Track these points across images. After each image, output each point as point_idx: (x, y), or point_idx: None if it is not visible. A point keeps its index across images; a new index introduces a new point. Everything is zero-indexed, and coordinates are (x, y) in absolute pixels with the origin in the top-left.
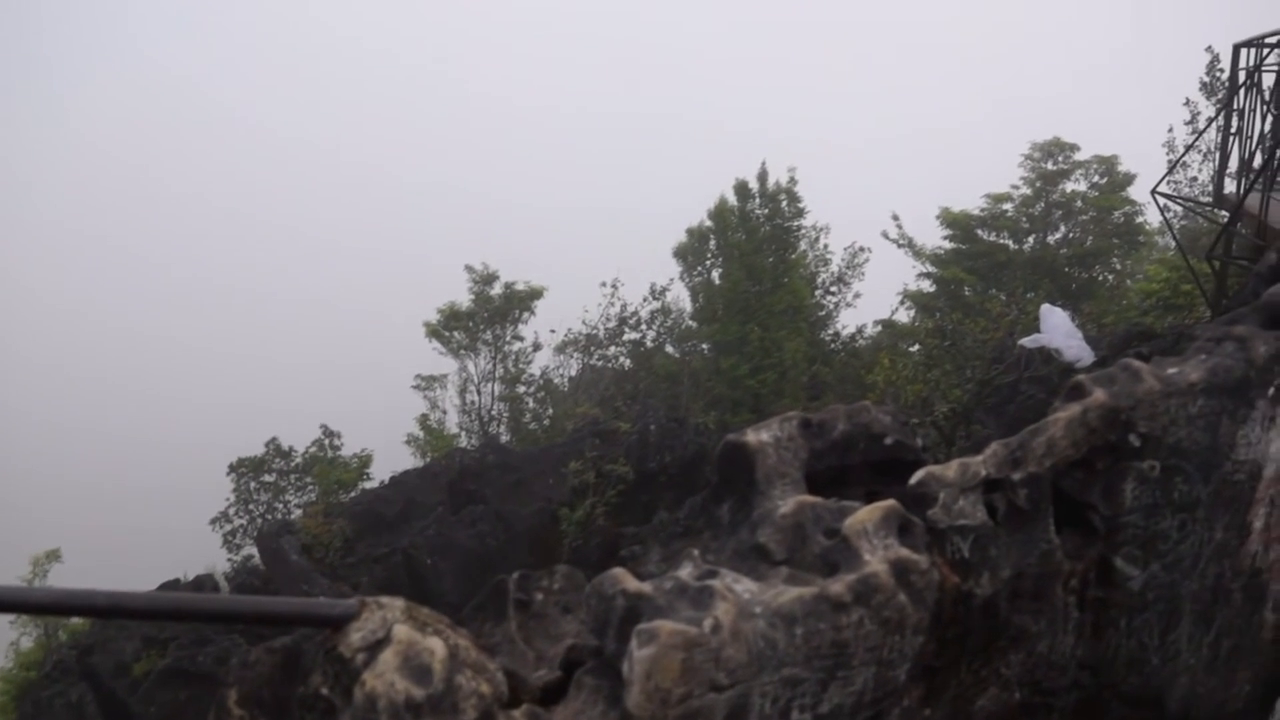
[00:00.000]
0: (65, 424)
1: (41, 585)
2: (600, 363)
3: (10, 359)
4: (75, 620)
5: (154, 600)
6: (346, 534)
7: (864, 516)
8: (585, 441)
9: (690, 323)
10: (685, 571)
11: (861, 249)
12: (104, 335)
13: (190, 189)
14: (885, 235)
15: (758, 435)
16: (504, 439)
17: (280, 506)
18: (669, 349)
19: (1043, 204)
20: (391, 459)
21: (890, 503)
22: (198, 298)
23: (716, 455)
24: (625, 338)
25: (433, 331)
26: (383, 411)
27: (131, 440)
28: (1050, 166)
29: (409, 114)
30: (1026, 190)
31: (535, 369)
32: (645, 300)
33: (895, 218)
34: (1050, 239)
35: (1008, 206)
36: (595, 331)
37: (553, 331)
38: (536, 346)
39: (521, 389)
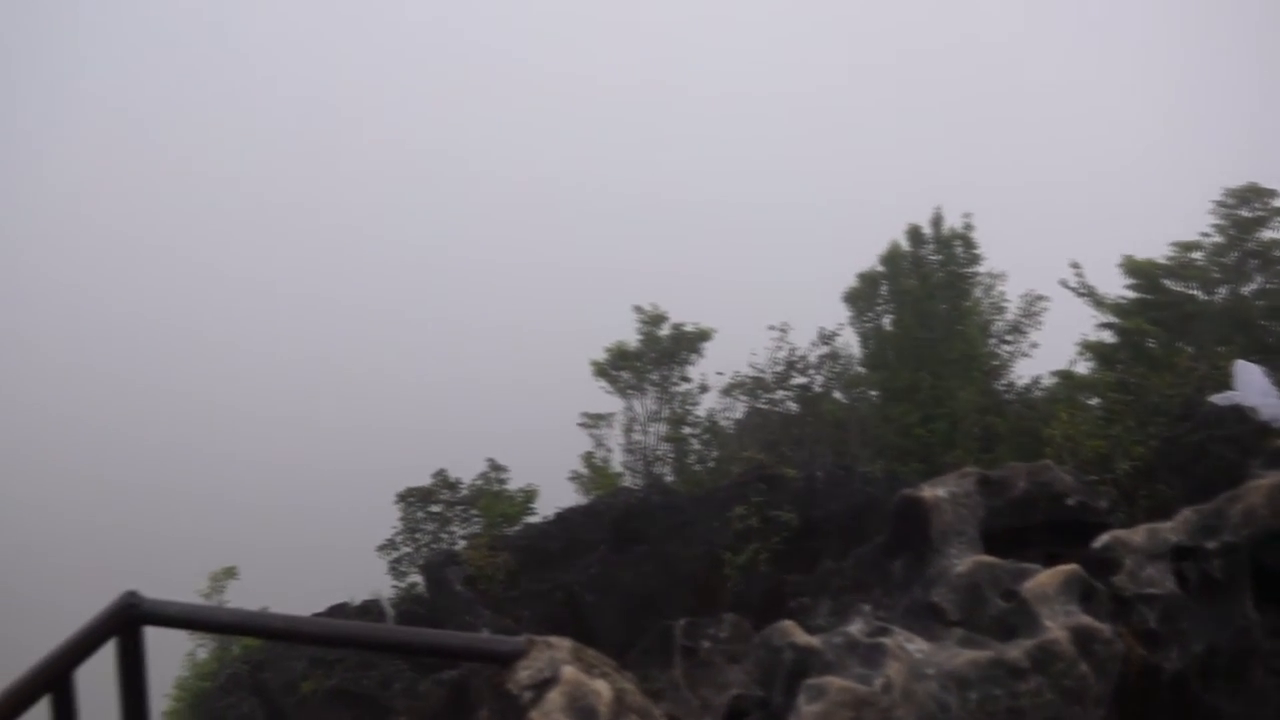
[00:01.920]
0: (252, 452)
1: (219, 602)
2: (766, 406)
3: (195, 394)
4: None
5: (329, 627)
6: (510, 567)
7: (1045, 580)
8: (751, 486)
9: (859, 369)
10: (855, 627)
11: (1039, 297)
12: (291, 370)
13: (366, 221)
14: (1064, 284)
15: (934, 490)
16: (668, 480)
17: (445, 537)
18: (837, 395)
19: (1237, 253)
20: (555, 495)
21: (1073, 567)
22: (373, 332)
23: (891, 509)
24: (792, 382)
25: (600, 370)
26: (548, 448)
27: (307, 466)
28: (1246, 213)
29: (586, 151)
30: (1218, 238)
31: (701, 410)
32: (813, 345)
33: (1075, 265)
34: (1245, 290)
35: (1197, 255)
36: (762, 375)
37: (720, 374)
38: (703, 388)
39: (687, 430)
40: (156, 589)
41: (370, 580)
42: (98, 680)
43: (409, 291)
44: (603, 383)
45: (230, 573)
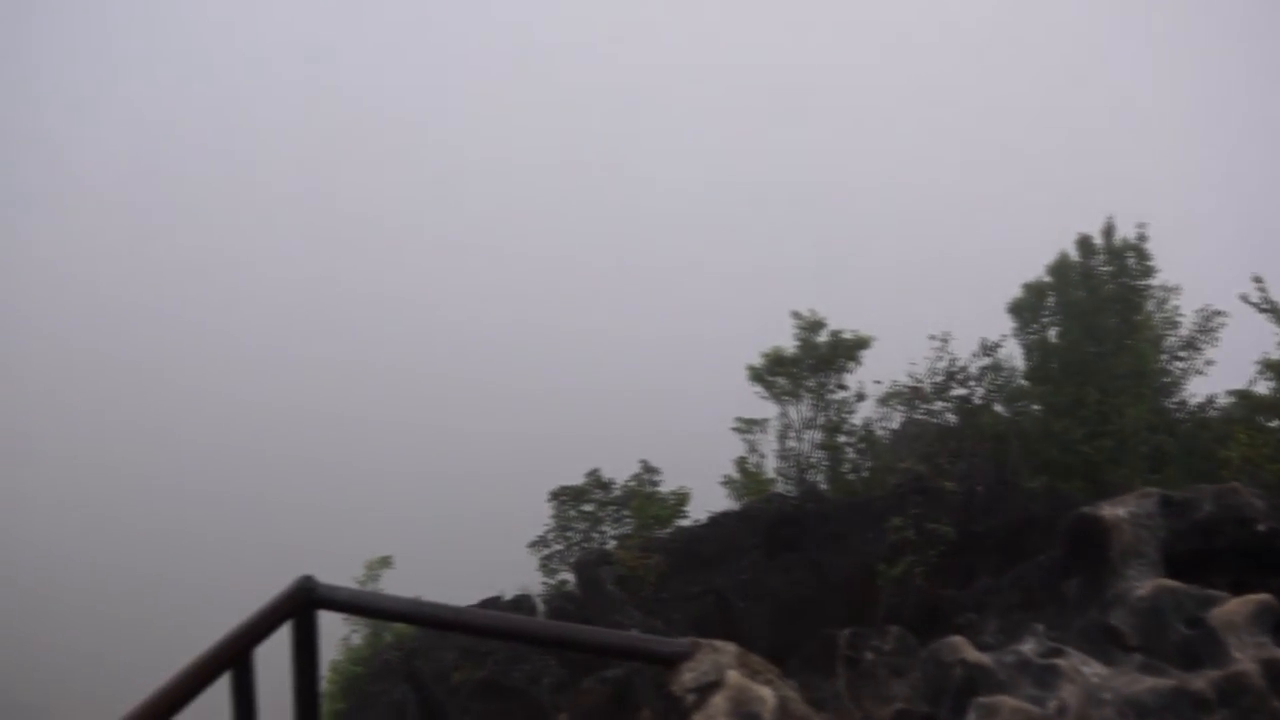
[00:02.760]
0: (414, 450)
1: (377, 590)
2: (924, 417)
3: (369, 405)
4: (400, 625)
5: (494, 620)
6: (662, 569)
7: (1234, 609)
8: (908, 497)
9: (1022, 382)
10: (1028, 646)
11: (1216, 312)
12: (458, 375)
13: (527, 235)
14: (1245, 299)
15: (1113, 510)
16: (821, 488)
17: (596, 536)
18: (997, 408)
19: None
20: (707, 498)
21: (1264, 596)
22: (535, 338)
23: (1066, 527)
24: (952, 393)
25: (756, 375)
26: (701, 451)
27: (465, 464)
28: None
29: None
30: None
31: (857, 419)
32: (975, 356)
33: (1258, 280)
34: None
35: None
36: (921, 385)
37: (878, 382)
38: (860, 396)
39: (842, 438)
40: (318, 575)
41: (519, 576)
42: (267, 658)
43: (569, 299)
44: (758, 388)
45: (385, 562)
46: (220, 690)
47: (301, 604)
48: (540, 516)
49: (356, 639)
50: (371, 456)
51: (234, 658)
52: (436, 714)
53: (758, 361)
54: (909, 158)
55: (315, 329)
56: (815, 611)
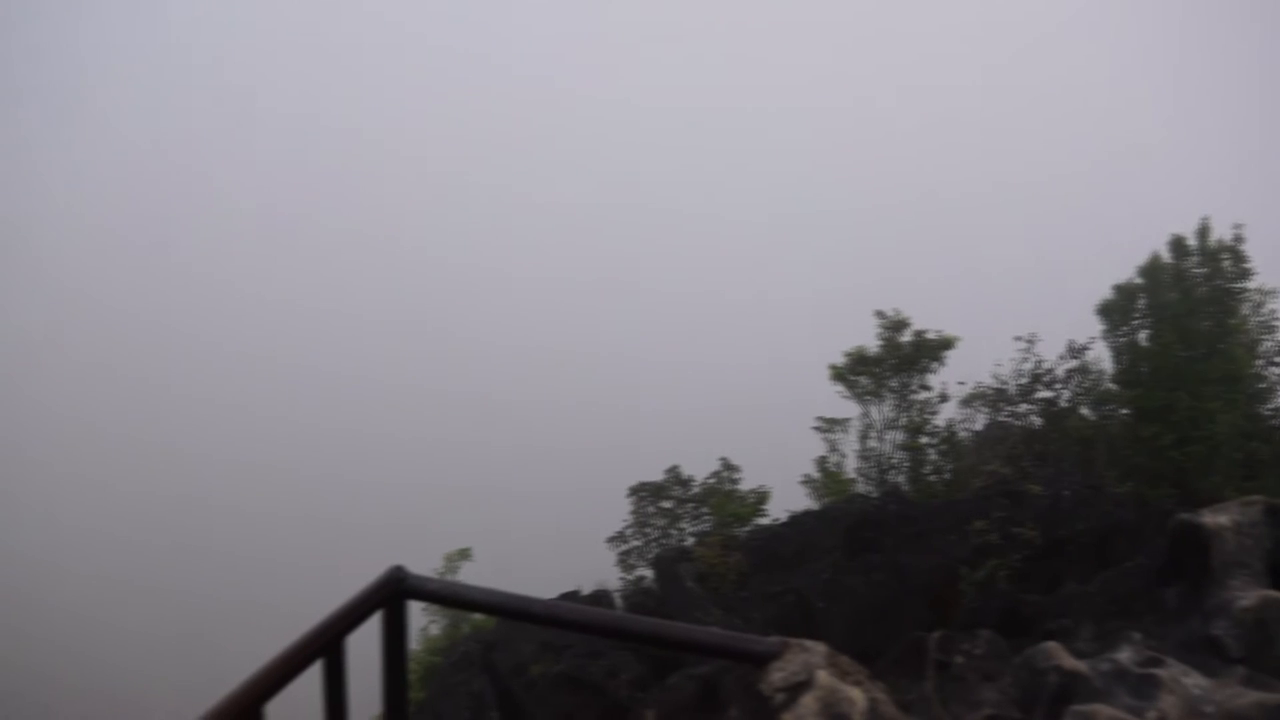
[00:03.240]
0: (496, 440)
1: (459, 581)
2: (1008, 420)
3: (450, 387)
4: (477, 617)
5: (585, 614)
6: (741, 568)
7: None
8: (992, 500)
9: (1110, 385)
10: (1125, 655)
11: None
12: (541, 366)
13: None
14: None
15: (1215, 518)
16: (902, 489)
17: (675, 533)
18: (1084, 411)
19: None
20: (786, 497)
21: None
22: (619, 333)
23: (1166, 534)
24: (1037, 396)
25: (838, 375)
26: (781, 450)
27: (545, 454)
28: None
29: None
30: None
31: (939, 420)
32: (1062, 358)
33: None
34: None
35: None
36: (1005, 387)
37: (961, 383)
38: (943, 397)
39: (924, 439)
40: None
41: (595, 570)
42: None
43: (649, 294)
44: (840, 387)
45: (465, 554)
46: (309, 678)
47: (392, 593)
48: (619, 513)
49: (435, 629)
50: (456, 452)
51: (326, 645)
52: (514, 706)
53: (840, 361)
54: (1013, 163)
55: (413, 353)
56: (896, 613)
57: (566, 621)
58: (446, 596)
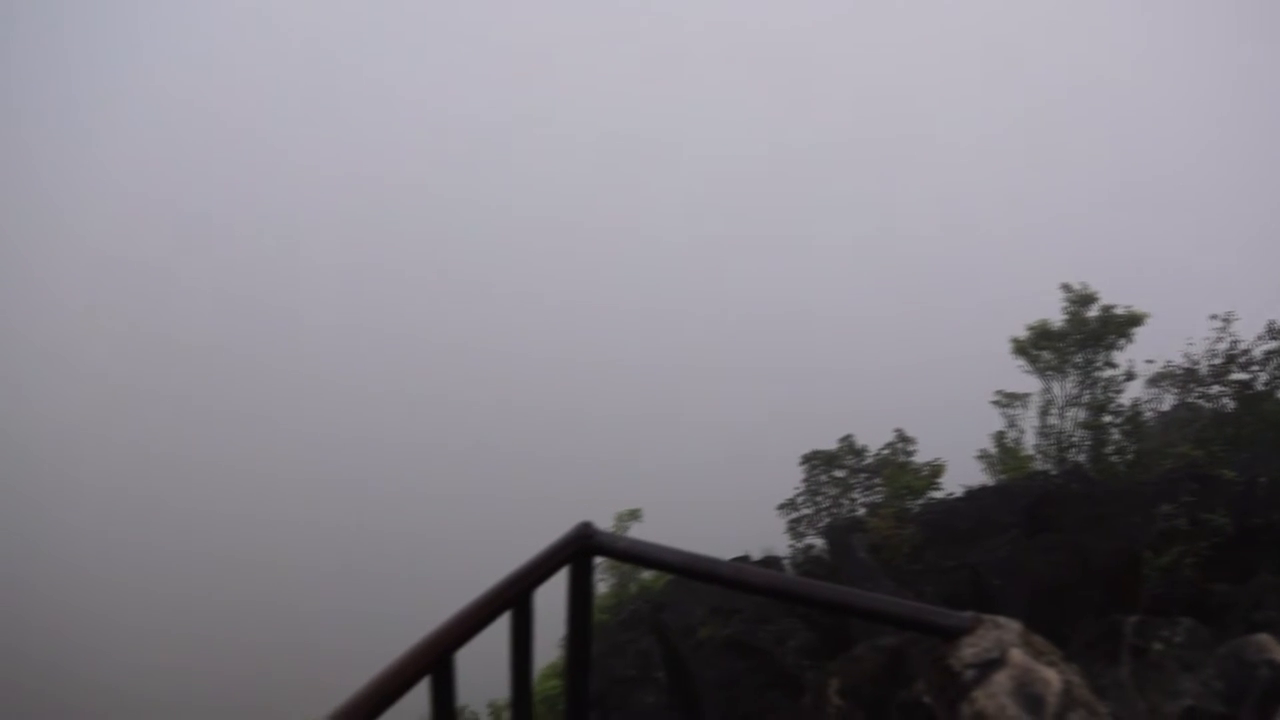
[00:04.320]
0: (671, 408)
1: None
2: (1198, 401)
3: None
4: (645, 577)
5: (772, 579)
6: (915, 540)
7: None
8: (1180, 484)
9: None
10: None
11: None
12: (729, 345)
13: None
14: None
15: None
16: (1083, 468)
17: (846, 503)
18: None
19: None
20: (960, 472)
21: None
22: (803, 308)
23: None
24: (1231, 377)
25: (1019, 348)
26: (957, 423)
27: (720, 424)
28: None
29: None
30: None
31: (1124, 399)
32: (1260, 339)
33: None
34: None
35: None
36: (1197, 367)
37: (1149, 362)
38: (1129, 376)
39: (1107, 418)
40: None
41: (762, 536)
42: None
43: (835, 272)
44: (1021, 361)
45: (635, 514)
46: (492, 633)
47: (580, 549)
48: (790, 481)
49: (603, 587)
50: (635, 415)
51: (515, 598)
52: (681, 667)
53: (1022, 334)
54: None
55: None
56: (1074, 595)
57: (752, 585)
58: (633, 554)
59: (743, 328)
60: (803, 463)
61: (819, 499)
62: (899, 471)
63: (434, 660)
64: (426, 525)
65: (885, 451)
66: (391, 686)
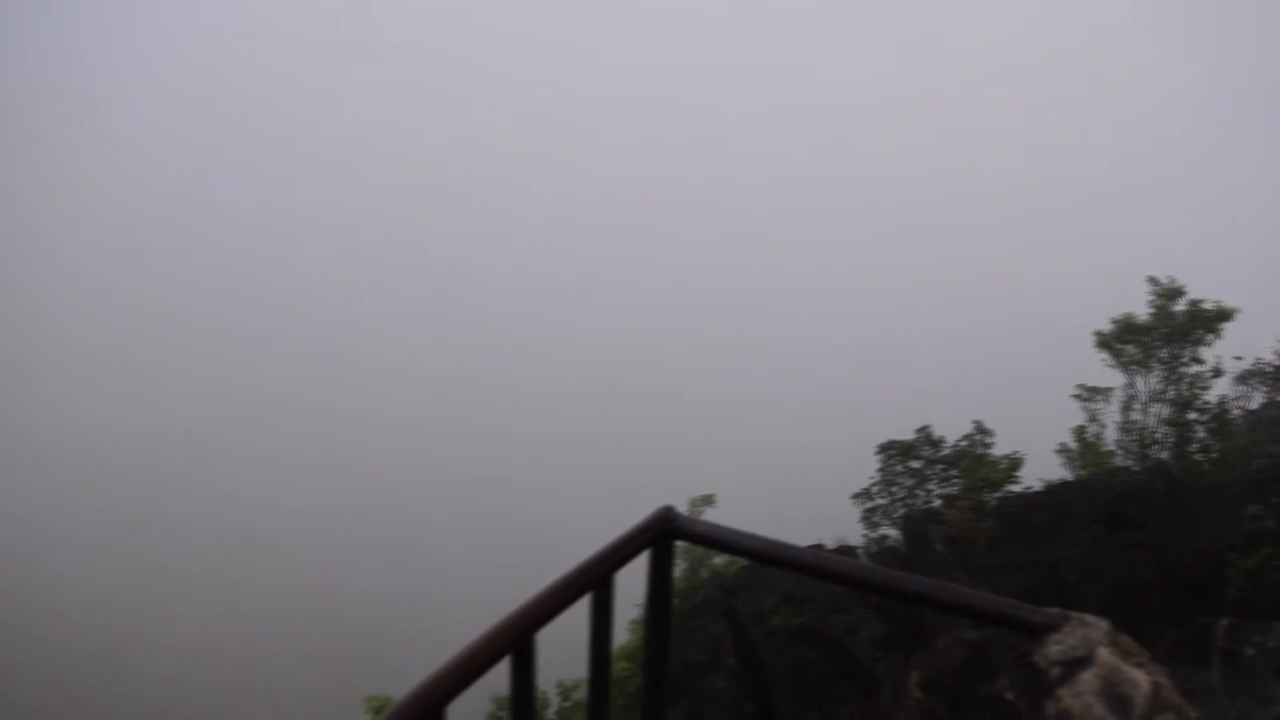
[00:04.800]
0: (747, 393)
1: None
2: None
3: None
4: (717, 562)
5: (852, 568)
6: (993, 534)
7: None
8: (1269, 485)
9: None
10: None
11: None
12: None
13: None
14: None
15: None
16: (1168, 465)
17: (921, 494)
18: None
19: None
20: (1038, 465)
21: None
22: (873, 295)
23: None
24: None
25: (1103, 342)
26: (1036, 416)
27: (795, 408)
28: None
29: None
30: None
31: (1211, 396)
32: None
33: None
34: None
35: None
36: None
37: (1238, 358)
38: (1216, 372)
39: (1192, 415)
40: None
41: (835, 526)
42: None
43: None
44: (1104, 355)
45: (708, 499)
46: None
47: (661, 533)
48: (864, 470)
49: (674, 571)
50: (692, 405)
51: (595, 580)
52: (751, 654)
53: (1106, 327)
54: None
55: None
56: (1156, 596)
57: (834, 574)
58: (714, 539)
59: (819, 307)
60: (879, 452)
61: (894, 489)
62: (976, 463)
63: (514, 640)
64: (504, 508)
65: (963, 443)
66: (472, 666)
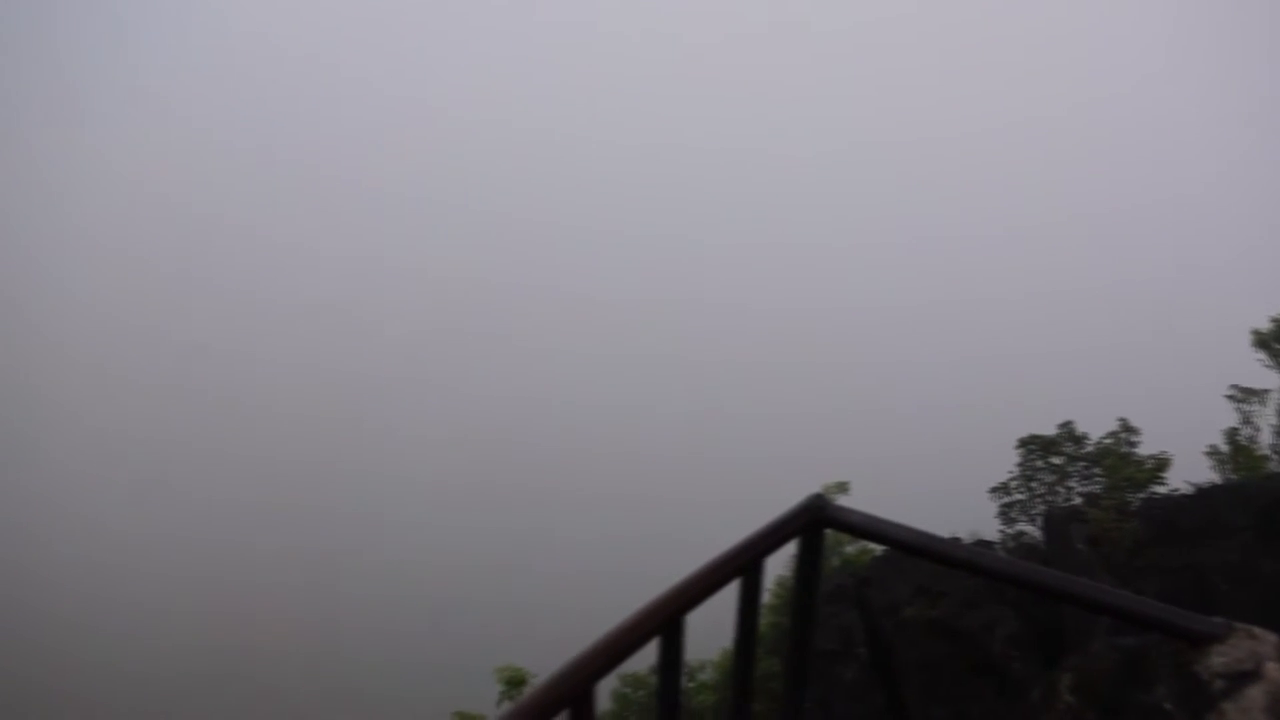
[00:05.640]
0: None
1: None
2: None
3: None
4: (849, 551)
5: (1006, 565)
6: (1137, 535)
7: None
8: None
9: None
10: None
11: None
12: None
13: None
14: None
15: None
16: None
17: (1061, 491)
18: None
19: None
20: (1186, 467)
21: None
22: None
23: None
24: None
25: (1260, 341)
26: (1186, 417)
27: (927, 403)
28: None
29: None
30: None
31: None
32: None
33: None
34: None
35: None
36: None
37: None
38: None
39: None
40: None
41: (963, 519)
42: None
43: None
44: (1262, 355)
45: (842, 487)
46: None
47: (811, 522)
48: (1000, 464)
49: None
50: (825, 375)
51: (745, 565)
52: (882, 645)
53: (1264, 325)
54: None
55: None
56: None
57: (989, 570)
58: (865, 529)
59: (968, 318)
60: (1019, 446)
61: (1033, 485)
62: (1120, 462)
63: (665, 621)
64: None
65: (1107, 440)
66: (622, 645)
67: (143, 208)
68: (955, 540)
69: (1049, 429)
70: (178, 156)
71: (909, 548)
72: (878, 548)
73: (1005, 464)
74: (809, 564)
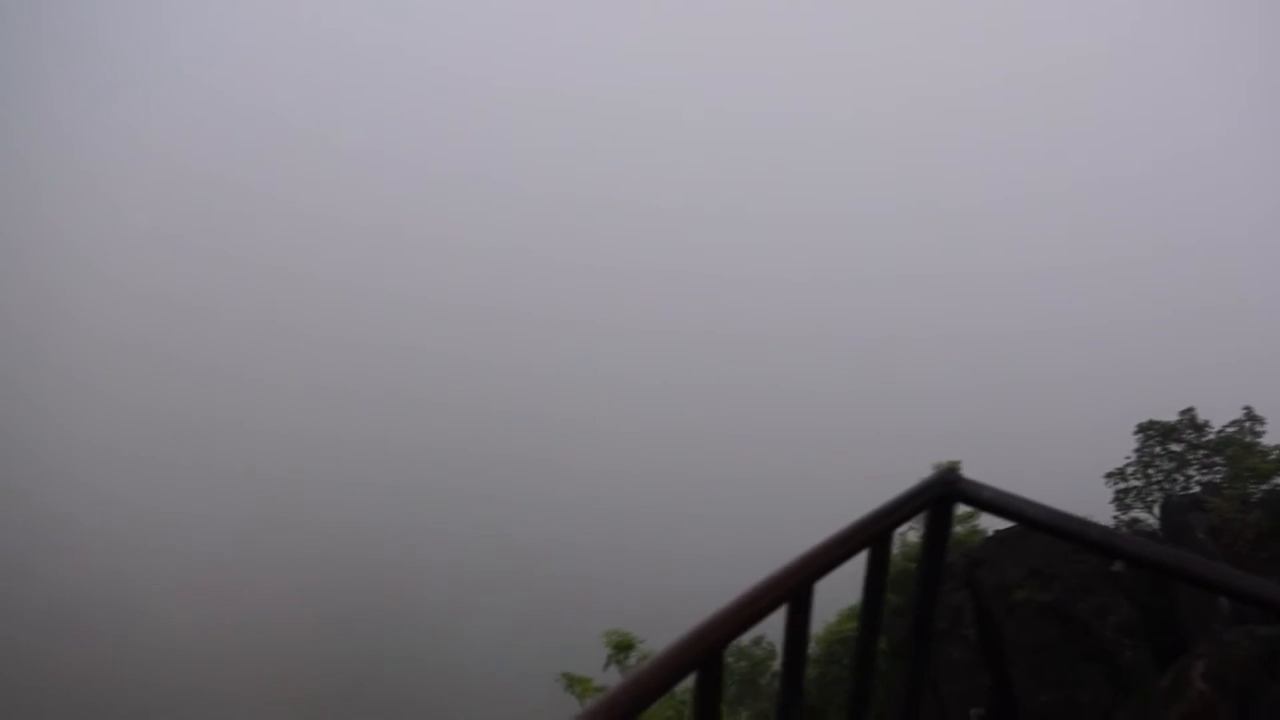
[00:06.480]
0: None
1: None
2: None
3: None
4: (959, 530)
5: (1144, 548)
6: (1261, 527)
7: None
8: None
9: None
10: None
11: None
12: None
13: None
14: None
15: None
16: None
17: (1180, 479)
18: None
19: None
20: None
21: None
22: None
23: None
24: None
25: None
26: None
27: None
28: None
29: None
30: None
31: None
32: None
33: None
34: None
35: None
36: None
37: None
38: None
39: None
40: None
41: (1073, 502)
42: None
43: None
44: None
45: (954, 465)
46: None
47: (941, 495)
48: (1119, 449)
49: (913, 536)
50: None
51: (874, 536)
52: (992, 627)
53: None
54: None
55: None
56: None
57: (1123, 552)
58: (998, 505)
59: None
60: (1137, 432)
61: (1150, 472)
62: (1244, 452)
63: (793, 589)
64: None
65: (1230, 429)
66: (751, 611)
67: (176, 186)
68: (1090, 521)
69: (1165, 414)
70: (213, 131)
71: (1043, 526)
72: (988, 528)
73: (1117, 448)
74: (938, 536)
